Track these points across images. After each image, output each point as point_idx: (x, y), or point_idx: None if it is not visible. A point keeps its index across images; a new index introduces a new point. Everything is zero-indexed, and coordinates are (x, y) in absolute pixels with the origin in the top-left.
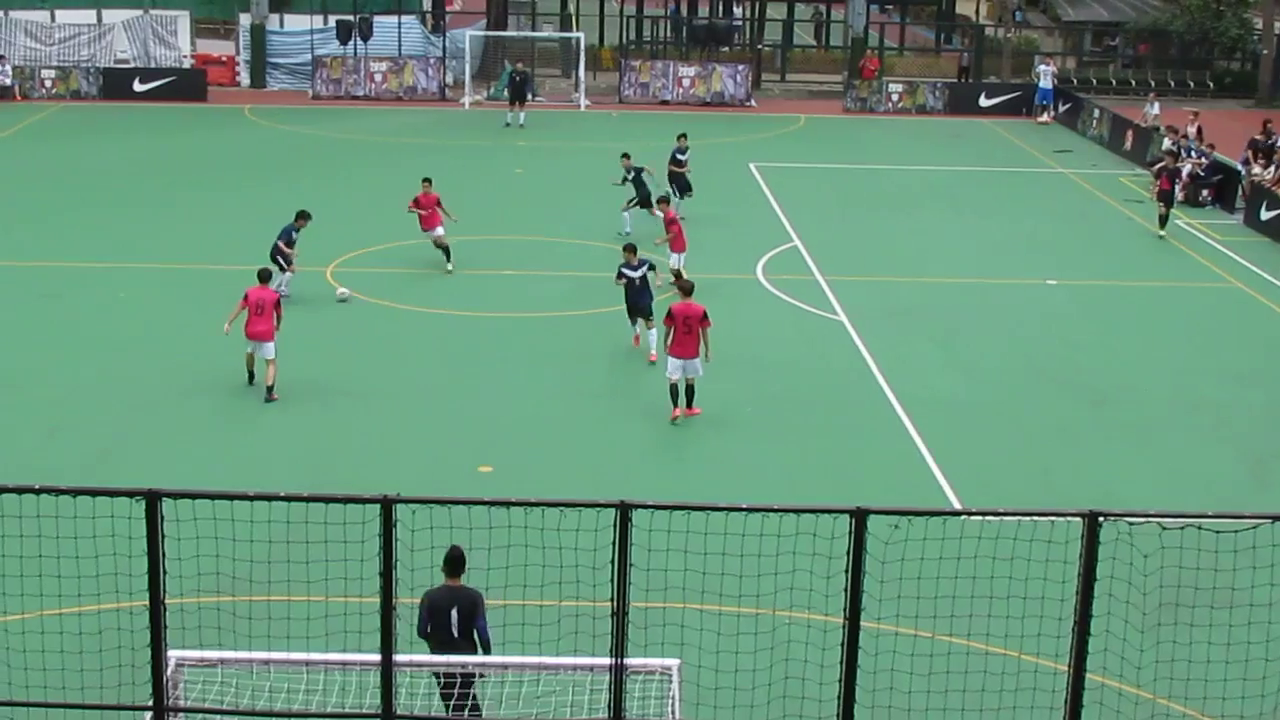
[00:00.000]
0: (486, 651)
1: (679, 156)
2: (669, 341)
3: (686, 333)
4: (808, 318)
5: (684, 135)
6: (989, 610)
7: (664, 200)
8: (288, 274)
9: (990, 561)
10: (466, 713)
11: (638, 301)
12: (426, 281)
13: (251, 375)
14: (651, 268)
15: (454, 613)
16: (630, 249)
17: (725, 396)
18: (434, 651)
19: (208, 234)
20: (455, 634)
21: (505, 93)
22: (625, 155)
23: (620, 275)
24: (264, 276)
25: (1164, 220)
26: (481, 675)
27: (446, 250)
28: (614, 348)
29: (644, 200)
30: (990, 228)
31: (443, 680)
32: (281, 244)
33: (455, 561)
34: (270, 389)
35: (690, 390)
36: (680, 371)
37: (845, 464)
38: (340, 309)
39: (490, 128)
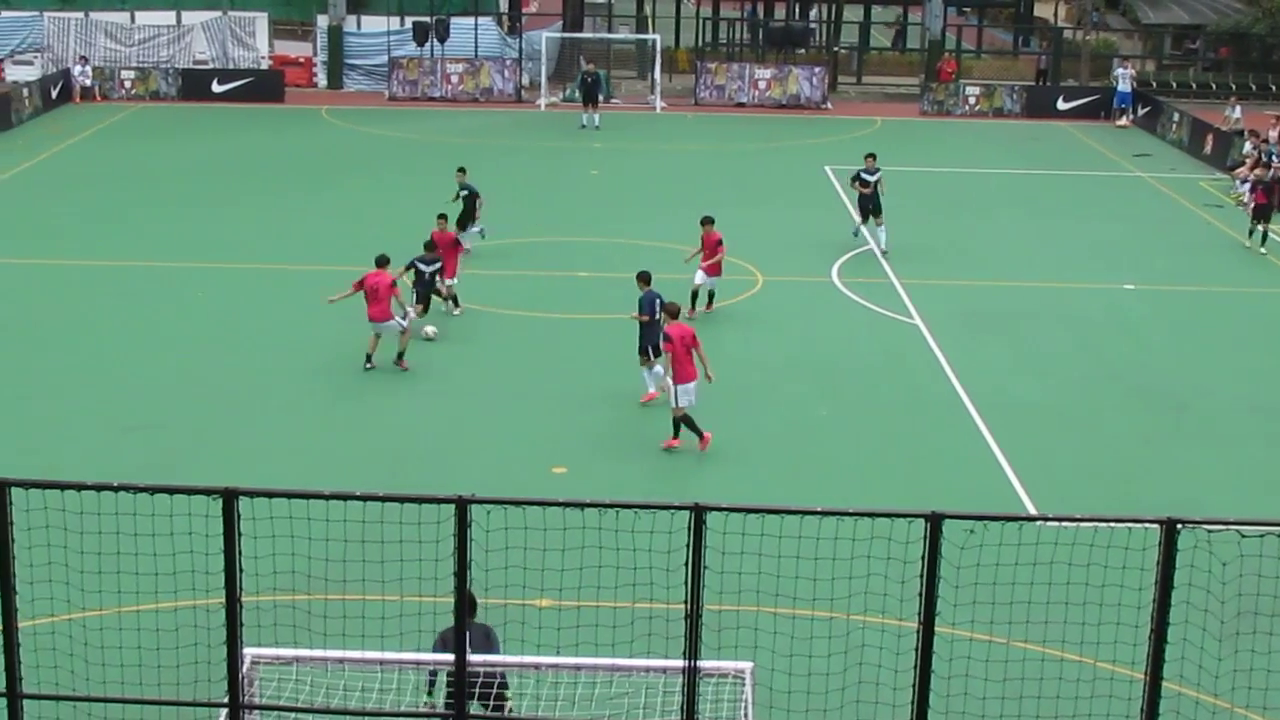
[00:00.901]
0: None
1: (866, 177)
2: (671, 369)
3: (686, 355)
4: (883, 321)
5: (872, 155)
6: (1065, 617)
7: (708, 220)
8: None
9: (1066, 568)
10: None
11: (655, 338)
12: (501, 282)
13: (369, 358)
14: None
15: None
16: (643, 277)
17: (800, 400)
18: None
19: (285, 234)
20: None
21: (578, 94)
22: (461, 170)
23: (644, 311)
24: (381, 262)
25: (1264, 237)
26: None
27: (454, 297)
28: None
29: (467, 219)
30: (1067, 232)
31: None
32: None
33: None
34: (400, 355)
35: (678, 421)
36: (692, 398)
37: (920, 468)
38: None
39: (566, 129)
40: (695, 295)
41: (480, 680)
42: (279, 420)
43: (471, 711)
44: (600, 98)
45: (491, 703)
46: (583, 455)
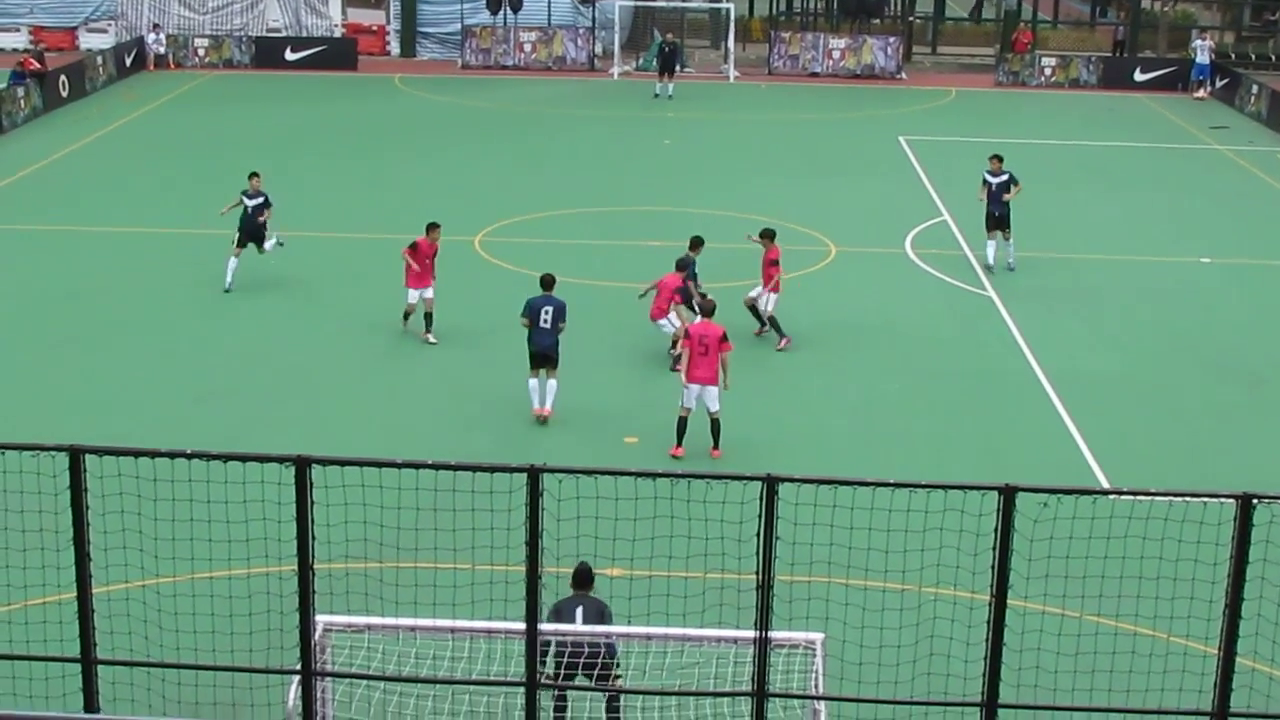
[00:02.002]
0: (612, 660)
1: (989, 179)
2: (685, 366)
3: (703, 354)
4: (956, 293)
5: (998, 158)
6: (1138, 591)
7: (768, 235)
8: None
9: (1140, 542)
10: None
11: (542, 343)
12: (573, 252)
13: (409, 316)
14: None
15: (579, 610)
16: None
17: (871, 372)
18: (558, 662)
19: (356, 203)
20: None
21: (654, 63)
22: (254, 175)
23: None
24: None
25: None
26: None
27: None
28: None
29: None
30: (1143, 204)
31: (566, 657)
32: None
33: (583, 575)
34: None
35: (715, 426)
36: (695, 400)
37: (993, 441)
38: (491, 280)
39: (639, 98)
40: (755, 308)
41: (586, 653)
42: (351, 388)
43: (578, 682)
44: (677, 68)
45: (598, 672)
46: (654, 426)
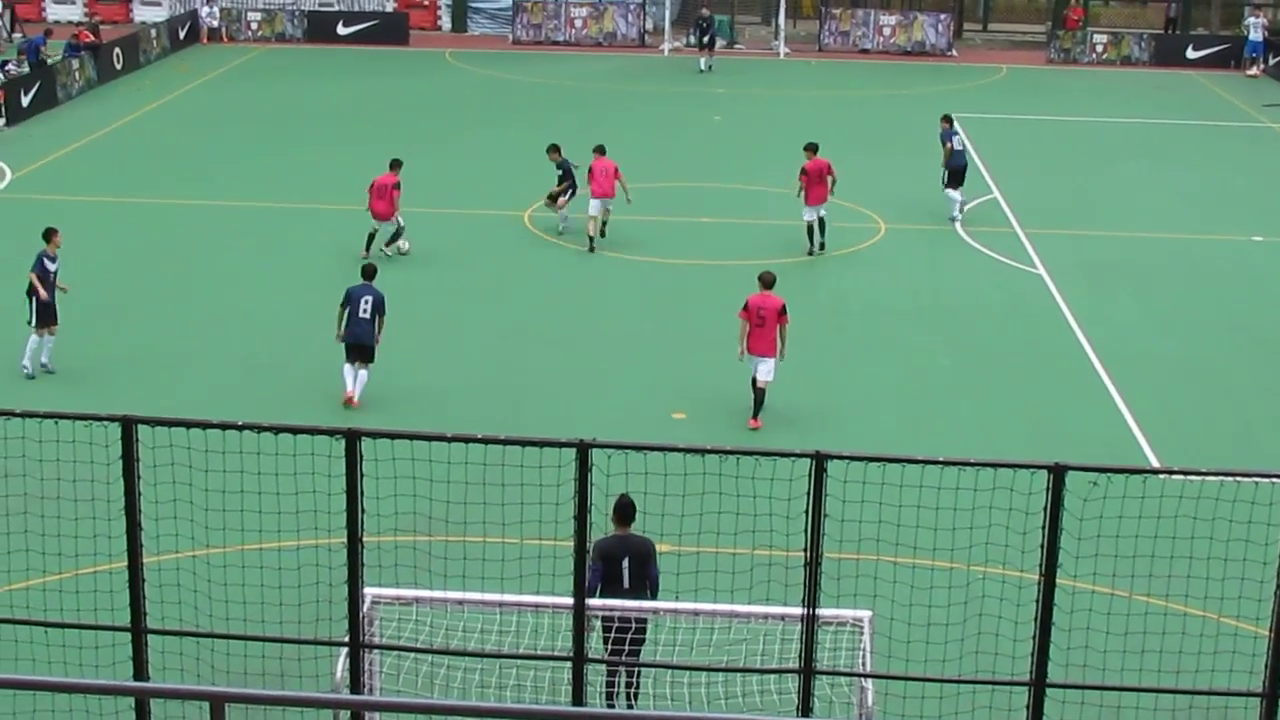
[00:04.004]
0: (655, 598)
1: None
2: (743, 338)
3: (760, 325)
4: (1006, 271)
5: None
6: (1188, 571)
7: (811, 147)
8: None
9: (1190, 522)
10: (640, 658)
11: (358, 333)
12: (623, 228)
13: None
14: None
15: (626, 561)
16: (370, 273)
17: (922, 349)
18: (605, 638)
19: (409, 179)
20: (628, 583)
21: (693, 37)
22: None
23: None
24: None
25: None
26: (647, 620)
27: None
28: (811, 296)
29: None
30: (1194, 182)
31: (616, 624)
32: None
33: (625, 510)
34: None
35: (760, 396)
36: (755, 368)
37: (1042, 419)
38: (541, 253)
39: (689, 75)
40: (811, 228)
41: (633, 627)
42: (400, 361)
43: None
44: (716, 42)
45: (631, 636)
46: (703, 401)
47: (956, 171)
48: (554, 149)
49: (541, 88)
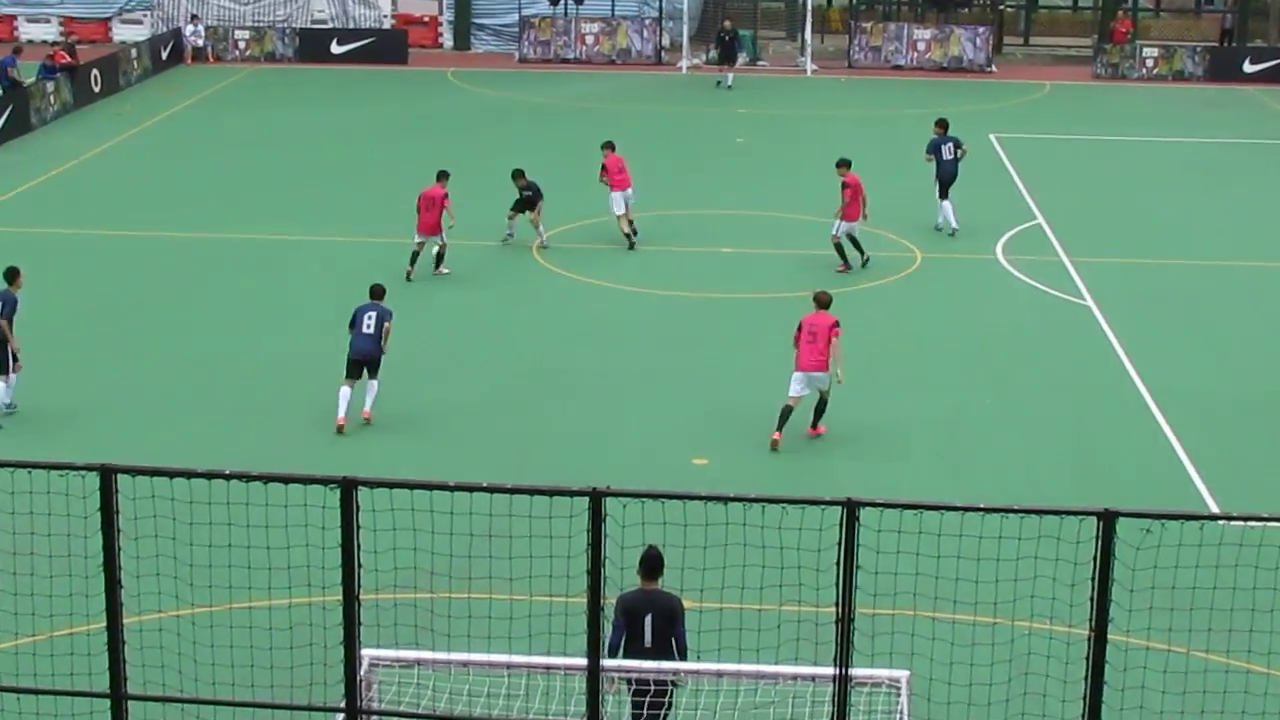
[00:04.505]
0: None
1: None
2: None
3: (811, 341)
4: (1051, 302)
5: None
6: (1250, 624)
7: (843, 164)
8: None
9: (1252, 571)
10: None
11: (363, 347)
12: (639, 259)
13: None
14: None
15: (649, 619)
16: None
17: (962, 386)
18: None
19: (403, 205)
20: (649, 642)
21: (714, 53)
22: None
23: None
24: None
25: None
26: (676, 684)
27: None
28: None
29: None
30: (1253, 205)
31: (634, 687)
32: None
33: (652, 563)
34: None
35: (822, 405)
36: (804, 388)
37: (1091, 461)
38: (551, 285)
39: (709, 94)
40: (839, 246)
41: (652, 690)
42: (400, 405)
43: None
44: (740, 58)
45: (649, 700)
46: (726, 445)
47: (948, 180)
48: (519, 174)
49: (550, 109)
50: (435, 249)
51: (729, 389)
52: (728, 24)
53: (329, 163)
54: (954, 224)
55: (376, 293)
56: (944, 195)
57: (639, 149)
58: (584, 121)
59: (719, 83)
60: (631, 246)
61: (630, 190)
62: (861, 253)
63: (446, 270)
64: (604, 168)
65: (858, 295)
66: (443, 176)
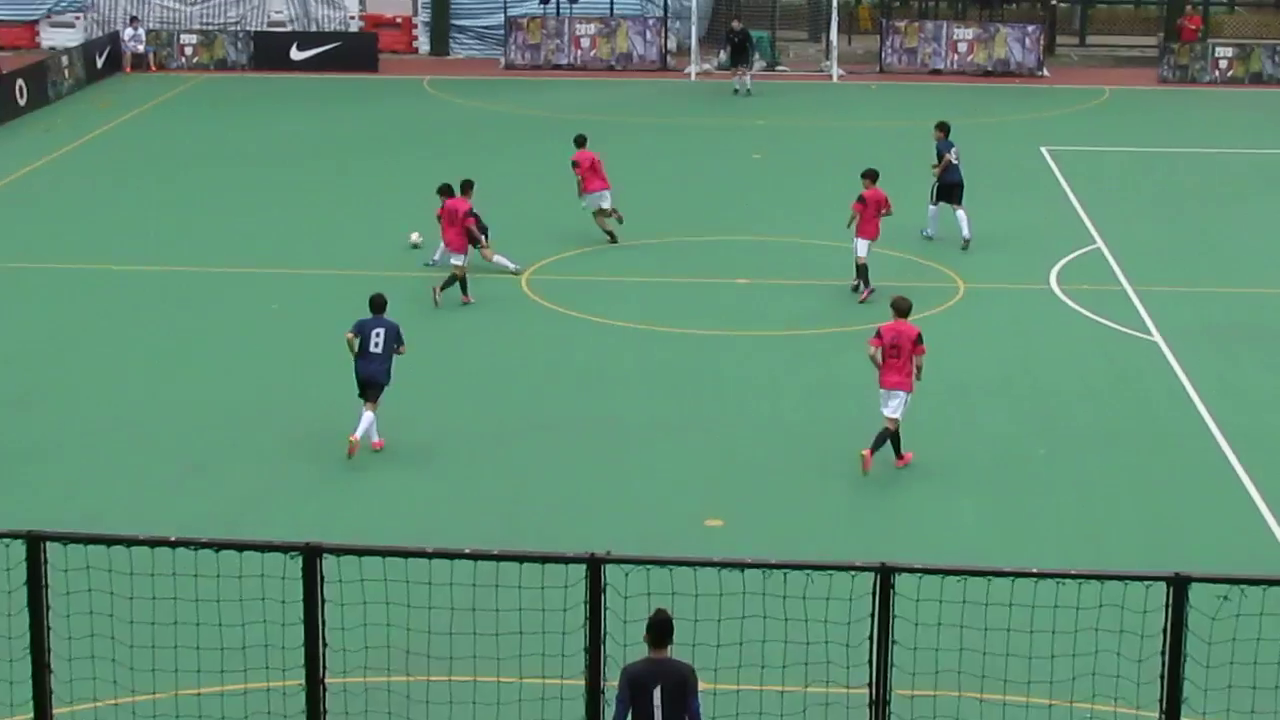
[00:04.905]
0: None
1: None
2: (879, 369)
3: (895, 357)
4: (1114, 337)
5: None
6: None
7: (870, 174)
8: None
9: None
10: None
11: (371, 369)
12: (643, 292)
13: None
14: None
15: (658, 692)
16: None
17: (1011, 434)
18: None
19: (378, 231)
20: (660, 719)
21: (725, 58)
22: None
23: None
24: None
25: None
26: None
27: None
28: (868, 371)
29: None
30: None
31: None
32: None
33: (661, 628)
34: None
35: (891, 437)
36: (888, 402)
37: (1160, 518)
38: (543, 322)
39: (721, 103)
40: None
41: None
42: (371, 460)
43: None
44: (753, 59)
45: None
46: (744, 505)
47: (953, 187)
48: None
49: (540, 122)
50: (451, 270)
51: (746, 440)
52: (736, 24)
53: (288, 185)
54: (966, 233)
55: (377, 304)
56: (957, 201)
57: (641, 167)
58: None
59: (736, 89)
60: (613, 240)
61: (608, 193)
62: (862, 280)
63: (441, 296)
64: (574, 164)
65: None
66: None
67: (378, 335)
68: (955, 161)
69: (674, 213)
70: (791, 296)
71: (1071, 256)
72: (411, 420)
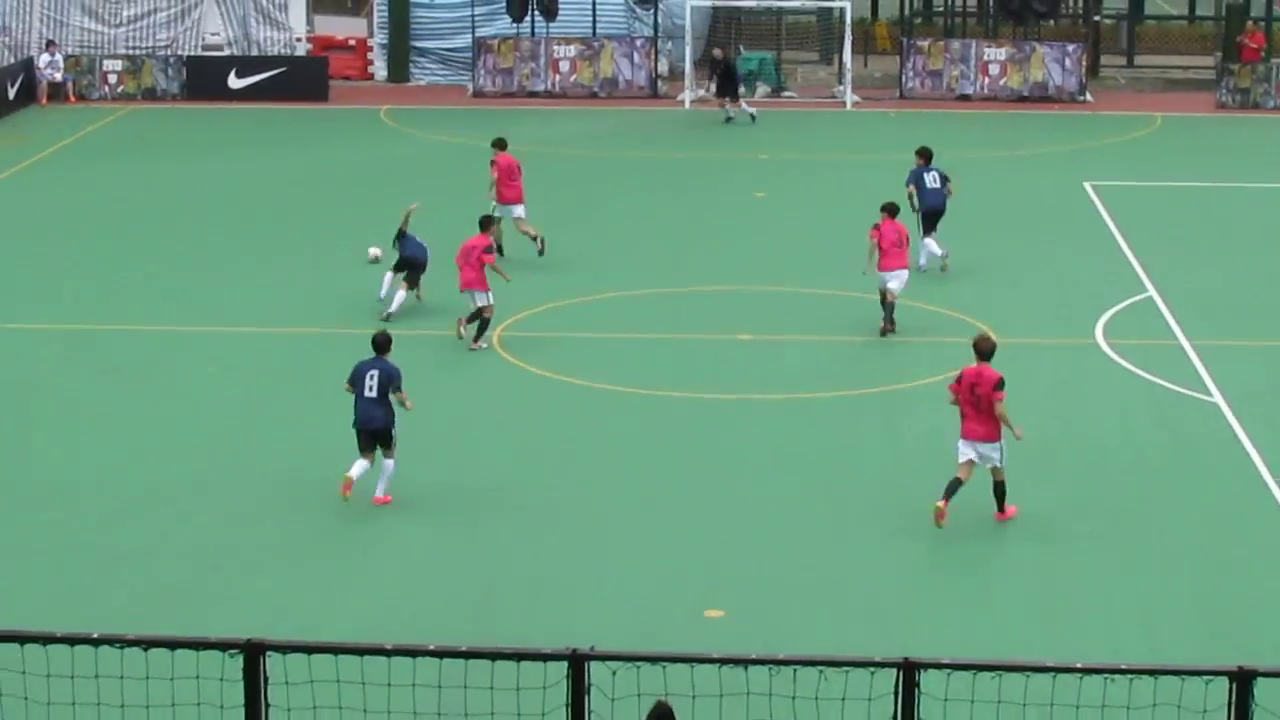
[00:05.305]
0: None
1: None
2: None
3: (973, 406)
4: (1168, 398)
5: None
6: None
7: (889, 209)
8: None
9: None
10: None
11: (369, 416)
12: (633, 351)
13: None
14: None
15: None
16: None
17: (1052, 506)
18: None
19: (326, 286)
20: None
21: (712, 86)
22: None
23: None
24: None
25: None
26: None
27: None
28: (896, 438)
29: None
30: None
31: None
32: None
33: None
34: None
35: (998, 486)
36: (974, 456)
37: (1222, 605)
38: (517, 386)
39: (719, 134)
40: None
41: None
42: (321, 544)
43: None
44: (760, 87)
45: None
46: (747, 593)
47: (934, 214)
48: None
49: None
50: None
51: (750, 520)
52: (718, 53)
53: (224, 232)
54: (938, 251)
55: (380, 344)
56: (929, 230)
57: (628, 208)
58: (557, 173)
59: (730, 117)
60: (542, 250)
61: (521, 208)
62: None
63: (482, 345)
64: (493, 163)
65: (917, 392)
66: (487, 224)
67: (371, 378)
68: (933, 185)
69: (665, 260)
70: (800, 354)
71: (1120, 307)
72: (368, 497)
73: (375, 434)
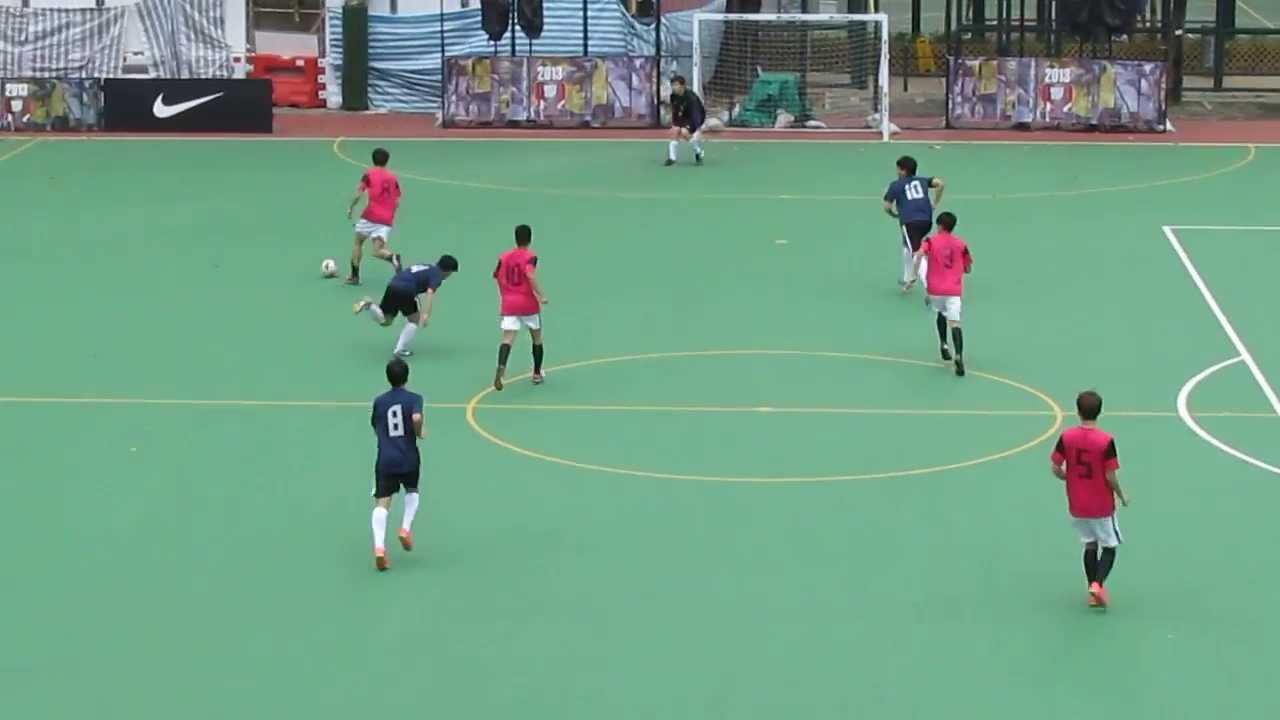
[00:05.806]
0: None
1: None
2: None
3: (1085, 475)
4: (1264, 481)
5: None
6: None
7: (945, 220)
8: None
9: None
10: None
11: (393, 457)
12: (626, 426)
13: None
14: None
15: None
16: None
17: (1128, 612)
18: None
19: (267, 348)
20: None
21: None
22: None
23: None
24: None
25: None
26: None
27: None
28: (946, 528)
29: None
30: None
31: None
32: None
33: None
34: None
35: (1105, 558)
36: (1087, 532)
37: None
38: (489, 469)
39: (733, 170)
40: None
41: None
42: (269, 650)
43: None
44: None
45: None
46: (765, 706)
47: (919, 227)
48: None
49: (490, 198)
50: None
51: (771, 624)
52: (678, 87)
53: (148, 288)
54: (907, 276)
55: (397, 374)
56: (916, 245)
57: (627, 258)
58: (540, 217)
59: (698, 155)
60: (399, 266)
61: (386, 229)
62: (944, 340)
63: (541, 377)
64: (365, 180)
65: (972, 472)
66: (524, 236)
67: (394, 415)
68: (914, 196)
69: (670, 319)
70: (830, 430)
71: (1206, 373)
72: (314, 589)
73: (402, 478)
